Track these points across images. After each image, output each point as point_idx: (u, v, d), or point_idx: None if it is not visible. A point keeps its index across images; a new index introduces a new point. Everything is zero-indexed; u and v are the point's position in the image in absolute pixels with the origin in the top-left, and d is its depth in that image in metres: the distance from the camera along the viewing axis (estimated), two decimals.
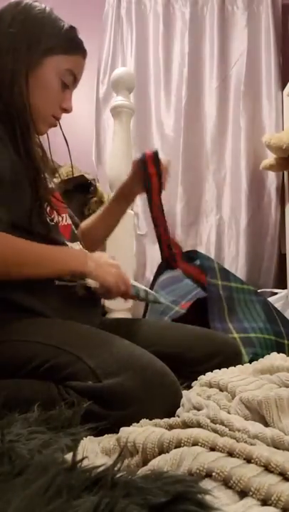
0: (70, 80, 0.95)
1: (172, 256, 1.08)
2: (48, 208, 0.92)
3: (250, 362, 1.17)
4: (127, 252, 1.58)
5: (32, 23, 0.89)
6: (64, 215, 1.00)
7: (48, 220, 0.92)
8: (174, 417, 0.65)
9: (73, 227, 1.03)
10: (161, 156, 1.05)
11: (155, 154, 1.04)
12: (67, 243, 0.95)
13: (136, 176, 1.07)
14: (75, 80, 0.97)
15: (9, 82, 0.86)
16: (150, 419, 0.63)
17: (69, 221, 1.02)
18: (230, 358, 0.96)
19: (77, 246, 1.00)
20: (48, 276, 0.84)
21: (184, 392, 0.70)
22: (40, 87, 0.90)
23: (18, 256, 0.78)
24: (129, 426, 0.59)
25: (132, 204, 1.18)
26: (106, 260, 0.91)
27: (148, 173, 1.04)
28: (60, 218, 0.98)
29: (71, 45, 0.94)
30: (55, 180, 1.12)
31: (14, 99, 0.86)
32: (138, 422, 0.62)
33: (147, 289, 1.03)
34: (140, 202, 2.27)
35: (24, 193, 0.85)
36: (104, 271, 0.87)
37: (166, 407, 0.68)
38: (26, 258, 0.80)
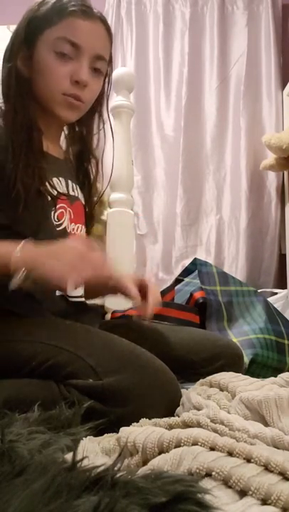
0: (69, 49, 0.84)
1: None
2: (56, 213, 0.88)
3: (250, 363, 1.18)
4: (127, 252, 1.58)
5: (27, 17, 0.87)
6: (79, 225, 0.97)
7: (55, 224, 0.89)
8: (173, 416, 0.65)
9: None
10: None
11: None
12: None
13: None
14: (76, 46, 0.84)
15: (9, 80, 0.87)
16: (150, 417, 0.63)
17: (83, 232, 1.00)
18: (232, 360, 0.97)
19: None
20: None
21: (184, 392, 0.71)
22: (39, 70, 0.87)
23: None
24: (129, 423, 0.60)
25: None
26: (62, 246, 0.74)
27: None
28: (74, 227, 0.95)
29: (55, 11, 0.84)
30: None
31: (17, 95, 0.86)
32: (138, 419, 0.63)
33: None
34: (140, 202, 2.27)
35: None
36: (45, 262, 0.69)
37: (165, 404, 0.68)
38: None
